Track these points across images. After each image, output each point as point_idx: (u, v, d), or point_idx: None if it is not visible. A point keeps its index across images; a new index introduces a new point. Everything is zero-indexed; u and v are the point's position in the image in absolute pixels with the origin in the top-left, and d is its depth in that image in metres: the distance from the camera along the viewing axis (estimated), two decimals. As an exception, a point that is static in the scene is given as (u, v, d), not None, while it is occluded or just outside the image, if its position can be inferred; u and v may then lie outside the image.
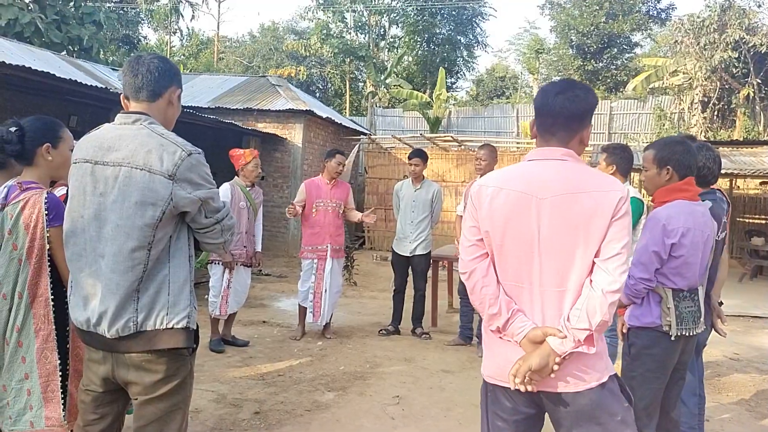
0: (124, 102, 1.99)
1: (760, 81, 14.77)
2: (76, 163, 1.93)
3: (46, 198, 2.20)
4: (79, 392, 2.01)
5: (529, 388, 1.77)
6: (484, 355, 1.99)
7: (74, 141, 2.38)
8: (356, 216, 5.70)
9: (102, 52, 17.42)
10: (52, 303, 2.19)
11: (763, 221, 13.35)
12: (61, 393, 2.20)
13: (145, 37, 28.61)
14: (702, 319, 2.69)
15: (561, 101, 1.83)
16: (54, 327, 2.19)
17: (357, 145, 13.63)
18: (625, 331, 2.78)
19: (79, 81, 7.02)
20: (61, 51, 14.15)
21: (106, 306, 1.84)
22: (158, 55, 2.01)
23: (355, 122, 17.64)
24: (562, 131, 1.85)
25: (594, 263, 1.78)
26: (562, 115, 1.83)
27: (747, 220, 13.53)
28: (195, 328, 1.96)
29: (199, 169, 1.90)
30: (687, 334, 2.61)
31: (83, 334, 1.94)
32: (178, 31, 31.32)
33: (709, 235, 2.66)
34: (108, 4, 20.69)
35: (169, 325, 1.86)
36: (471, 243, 1.89)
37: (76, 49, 15.59)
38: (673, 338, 2.58)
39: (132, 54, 22.21)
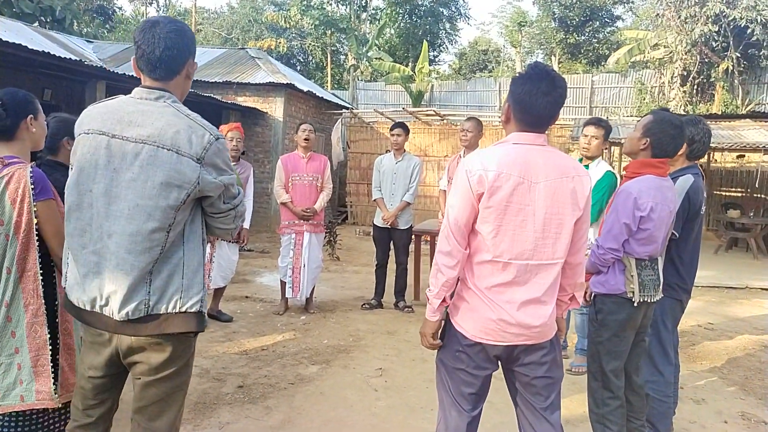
0: (136, 70, 1.88)
1: (739, 55, 14.87)
2: (88, 133, 1.81)
3: (31, 172, 2.16)
4: (80, 378, 1.97)
5: None
6: (465, 315, 2.08)
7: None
8: (317, 205, 5.60)
9: (75, 24, 16.94)
10: (41, 278, 2.17)
11: (740, 194, 13.59)
12: (52, 368, 2.19)
13: (120, 8, 27.89)
14: (661, 286, 2.83)
15: (548, 104, 1.97)
16: (43, 301, 2.17)
17: (339, 120, 13.53)
18: (589, 298, 2.90)
19: (52, 53, 6.84)
20: (33, 22, 13.74)
21: (116, 287, 1.78)
22: (176, 26, 1.85)
23: (336, 96, 17.47)
24: (546, 125, 2.05)
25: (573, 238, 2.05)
26: (549, 116, 2.01)
27: (723, 193, 13.77)
28: (206, 311, 1.94)
29: (224, 154, 1.88)
30: (648, 301, 2.76)
31: (86, 314, 1.86)
32: (154, 1, 30.56)
33: (672, 210, 2.77)
34: (81, -27, 20.02)
35: (182, 309, 1.83)
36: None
37: (48, 20, 15.15)
38: (635, 304, 2.73)
39: (108, 25, 21.65)
